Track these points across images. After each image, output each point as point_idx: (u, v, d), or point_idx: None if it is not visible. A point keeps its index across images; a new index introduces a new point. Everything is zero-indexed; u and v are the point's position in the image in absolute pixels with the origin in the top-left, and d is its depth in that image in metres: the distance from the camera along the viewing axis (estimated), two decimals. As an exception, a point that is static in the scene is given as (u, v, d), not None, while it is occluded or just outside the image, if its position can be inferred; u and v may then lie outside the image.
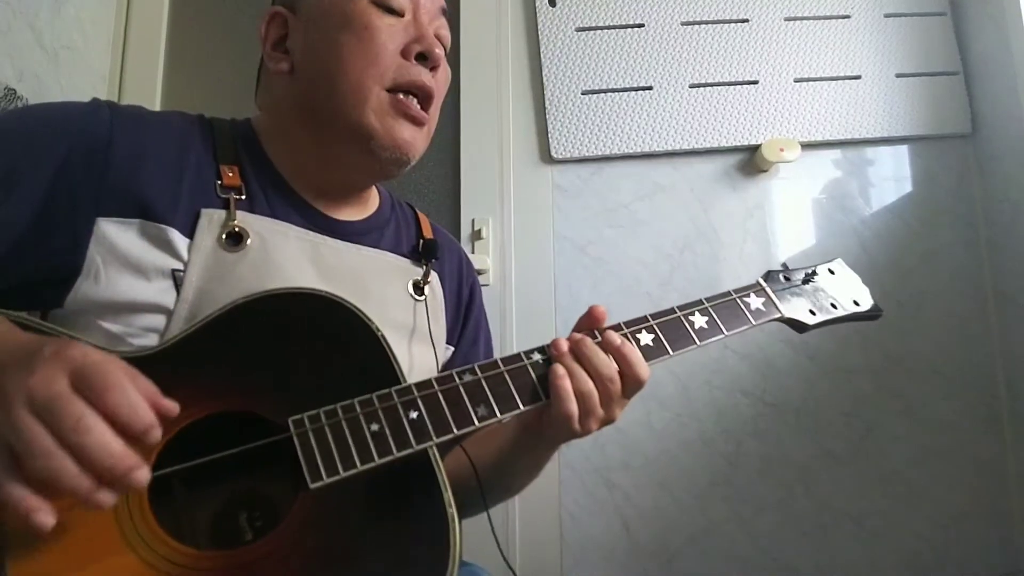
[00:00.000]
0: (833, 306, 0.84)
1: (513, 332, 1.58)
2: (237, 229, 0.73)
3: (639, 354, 0.71)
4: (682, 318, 0.76)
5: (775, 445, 1.54)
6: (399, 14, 0.81)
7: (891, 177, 1.66)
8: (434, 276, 0.91)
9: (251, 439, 0.59)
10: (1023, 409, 1.51)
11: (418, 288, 0.87)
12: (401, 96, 0.79)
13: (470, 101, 1.68)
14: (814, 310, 0.83)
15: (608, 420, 0.71)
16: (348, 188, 0.87)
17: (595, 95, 1.66)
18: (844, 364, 1.57)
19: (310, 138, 0.82)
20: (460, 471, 0.80)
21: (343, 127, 0.79)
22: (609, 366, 0.69)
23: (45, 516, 0.45)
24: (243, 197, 0.77)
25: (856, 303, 0.86)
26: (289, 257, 0.76)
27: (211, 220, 0.73)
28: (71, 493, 0.45)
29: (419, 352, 0.85)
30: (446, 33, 0.86)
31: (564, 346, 0.70)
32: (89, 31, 1.59)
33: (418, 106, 0.80)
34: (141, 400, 0.49)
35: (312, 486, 0.56)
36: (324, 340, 0.66)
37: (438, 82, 0.83)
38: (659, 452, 1.52)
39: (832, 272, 0.87)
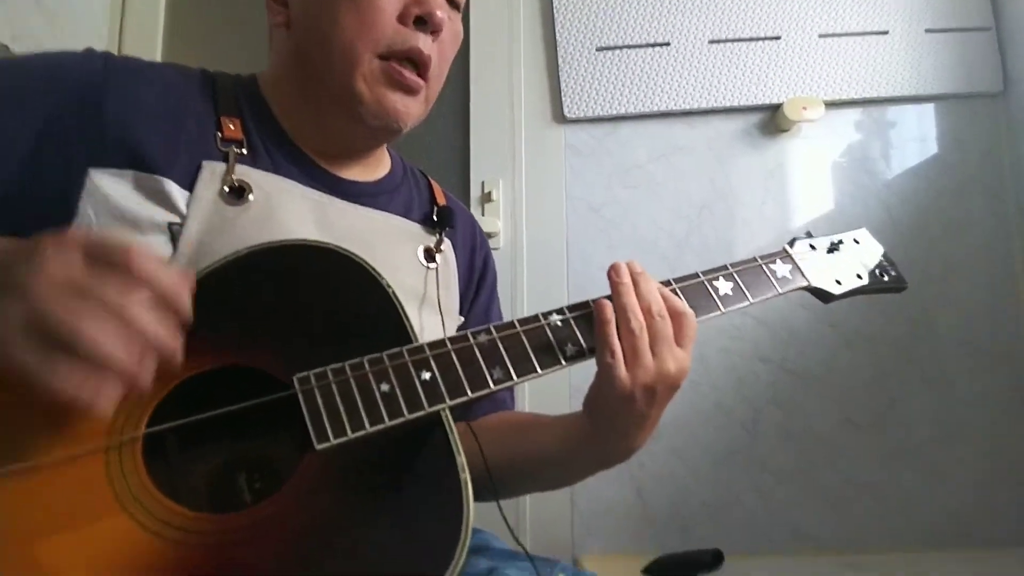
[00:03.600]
0: (859, 276, 0.82)
1: (524, 297, 1.53)
2: (239, 183, 0.70)
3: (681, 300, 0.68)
4: (706, 283, 0.72)
5: (795, 414, 1.51)
6: None
7: (916, 138, 1.59)
8: (447, 244, 0.87)
9: (254, 396, 0.56)
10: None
11: (430, 255, 0.84)
12: (395, 64, 0.74)
13: (480, 59, 1.62)
14: (839, 280, 0.80)
15: (663, 371, 0.64)
16: (349, 149, 0.82)
17: (610, 51, 1.59)
18: (867, 332, 1.52)
19: (303, 96, 0.78)
20: (494, 454, 0.76)
21: (333, 90, 0.75)
22: (659, 301, 0.65)
23: (113, 386, 0.44)
24: (244, 151, 0.73)
25: (881, 275, 0.83)
26: (293, 214, 0.72)
27: (213, 172, 0.69)
28: (120, 368, 0.44)
29: (429, 320, 0.81)
30: None
31: (625, 275, 0.66)
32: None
33: (413, 74, 0.75)
34: (163, 265, 0.48)
35: (318, 447, 0.53)
36: (333, 296, 0.63)
37: (442, 46, 0.78)
38: (675, 419, 1.48)
39: (857, 242, 0.85)
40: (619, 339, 0.63)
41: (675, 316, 0.66)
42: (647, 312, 0.64)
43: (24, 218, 0.63)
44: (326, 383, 0.56)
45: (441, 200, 0.91)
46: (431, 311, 0.81)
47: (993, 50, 1.58)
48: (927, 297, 1.52)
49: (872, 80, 1.58)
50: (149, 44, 1.66)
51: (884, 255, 0.86)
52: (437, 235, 0.86)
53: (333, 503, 0.54)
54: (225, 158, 0.71)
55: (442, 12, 0.75)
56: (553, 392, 1.42)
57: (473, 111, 1.61)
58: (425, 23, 0.75)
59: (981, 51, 1.58)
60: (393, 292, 0.63)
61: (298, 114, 0.79)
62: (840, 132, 1.59)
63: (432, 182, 0.94)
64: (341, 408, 0.55)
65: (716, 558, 1.32)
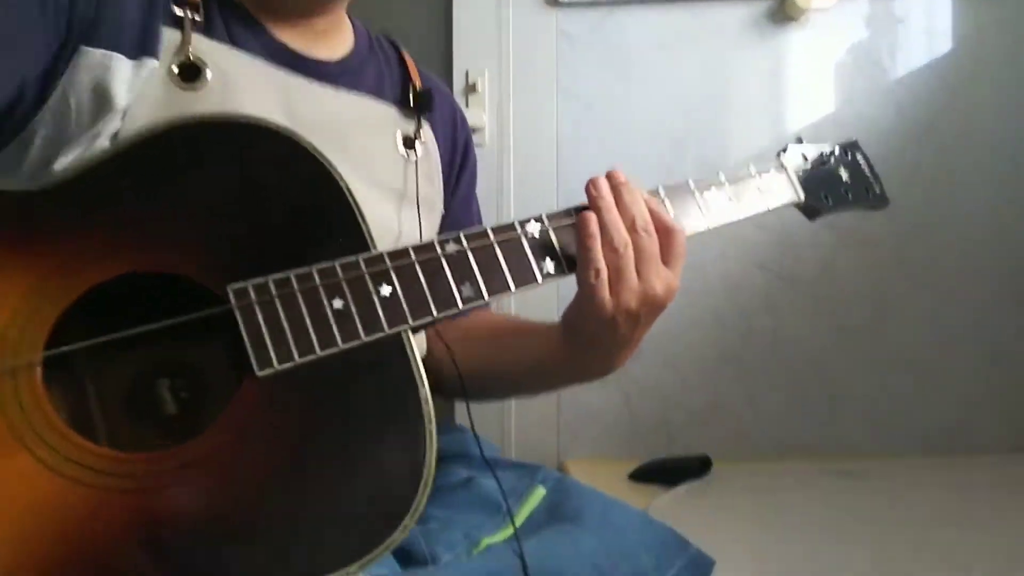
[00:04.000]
0: (846, 192, 0.81)
1: (511, 198, 1.46)
2: (193, 59, 0.60)
3: (666, 210, 0.64)
4: (696, 194, 0.68)
5: (788, 321, 1.48)
6: None
7: (929, 34, 1.48)
8: (427, 129, 0.79)
9: (178, 310, 0.48)
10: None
11: (408, 143, 0.75)
12: None
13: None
14: (827, 195, 0.79)
15: (648, 292, 0.60)
16: (303, 13, 0.71)
17: (608, -74, 1.45)
18: (867, 237, 1.46)
19: None
20: (466, 362, 0.72)
21: None
22: (644, 215, 0.60)
23: None
24: (199, 19, 0.62)
25: (867, 192, 0.82)
26: (256, 100, 0.63)
27: (164, 44, 0.60)
28: None
29: (409, 218, 0.74)
30: None
31: (605, 188, 0.60)
32: None
33: None
34: None
35: (260, 373, 0.47)
36: (276, 188, 0.53)
37: None
38: (666, 327, 1.41)
39: (847, 154, 0.82)
40: (602, 254, 0.58)
41: (662, 231, 0.61)
42: (631, 227, 0.59)
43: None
44: (268, 297, 0.48)
45: (415, 76, 0.81)
46: (411, 208, 0.75)
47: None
48: (930, 200, 1.46)
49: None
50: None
51: (871, 169, 0.84)
52: (416, 121, 0.77)
53: (276, 439, 0.48)
54: (178, 25, 0.61)
55: None
56: (540, 300, 1.36)
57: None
58: None
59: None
60: (346, 186, 0.54)
61: None
62: (850, 27, 1.48)
63: (404, 54, 0.84)
64: (286, 327, 0.48)
65: (704, 464, 1.32)
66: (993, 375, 1.47)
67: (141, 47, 0.58)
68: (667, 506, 1.17)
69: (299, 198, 0.53)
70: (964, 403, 1.47)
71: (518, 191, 1.46)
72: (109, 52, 0.57)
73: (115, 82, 0.57)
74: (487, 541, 0.63)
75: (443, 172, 0.83)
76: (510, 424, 1.46)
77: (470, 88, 1.45)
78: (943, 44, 1.48)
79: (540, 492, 0.71)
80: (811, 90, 1.48)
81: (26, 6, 0.52)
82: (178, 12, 0.61)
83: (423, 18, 1.49)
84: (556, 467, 1.42)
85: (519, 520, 0.66)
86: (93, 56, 0.56)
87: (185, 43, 0.60)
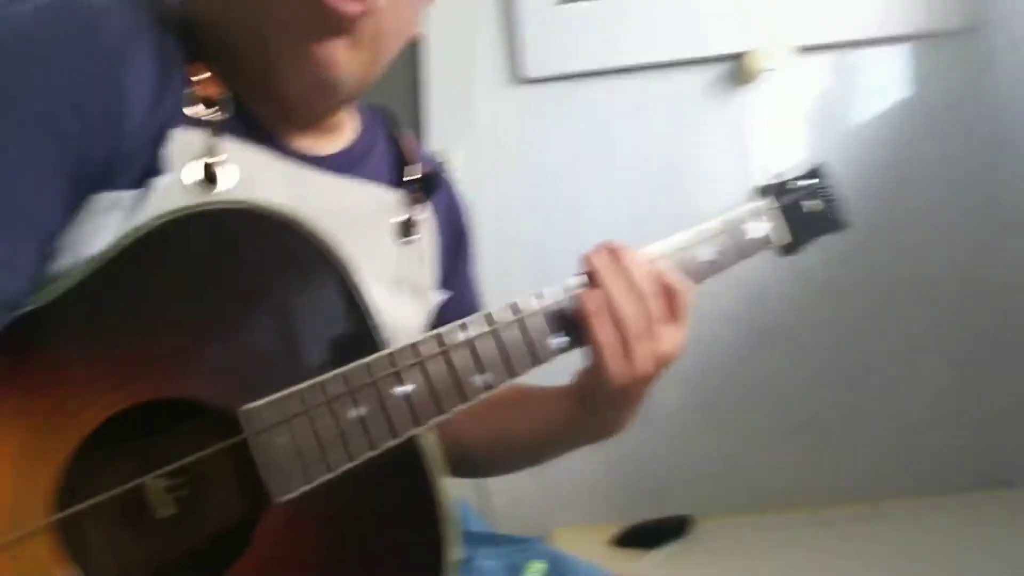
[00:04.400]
0: (816, 223, 0.79)
1: (488, 269, 1.47)
2: (214, 163, 0.54)
3: (667, 267, 0.62)
4: (688, 253, 0.66)
5: (761, 373, 1.51)
6: None
7: (889, 83, 1.53)
8: (427, 214, 0.75)
9: (186, 438, 0.45)
10: (1014, 337, 1.48)
11: (408, 229, 0.72)
12: None
13: (433, 13, 1.52)
14: (801, 232, 0.78)
15: (659, 354, 0.59)
16: (318, 117, 0.65)
17: (570, 4, 1.51)
18: (838, 287, 1.50)
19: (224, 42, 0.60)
20: (471, 433, 0.73)
21: (245, 33, 0.57)
22: (647, 281, 0.59)
23: None
24: (225, 115, 0.55)
25: (831, 217, 0.81)
26: (269, 192, 0.57)
27: (184, 149, 0.53)
28: None
29: (404, 308, 0.71)
30: None
31: (604, 259, 0.59)
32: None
33: (345, 1, 0.54)
34: None
35: (278, 500, 0.45)
36: (274, 281, 0.49)
37: None
38: None
39: (815, 177, 0.81)
40: (609, 330, 0.57)
41: (669, 292, 0.60)
42: (637, 297, 0.58)
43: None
44: (282, 420, 0.46)
45: (411, 153, 0.76)
46: (407, 294, 0.72)
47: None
48: (900, 248, 1.50)
49: (840, 23, 1.51)
50: None
51: (834, 193, 0.82)
52: (416, 206, 0.73)
53: (302, 559, 0.48)
54: (196, 125, 0.54)
55: None
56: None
57: (426, 72, 1.53)
58: None
59: (955, -15, 1.50)
60: (358, 285, 0.51)
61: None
62: (808, 80, 1.53)
63: (398, 129, 0.79)
64: (302, 450, 0.46)
65: (683, 524, 1.34)
66: (970, 416, 1.49)
67: (147, 172, 0.52)
68: (648, 570, 1.19)
69: (304, 294, 0.51)
70: (942, 444, 1.49)
71: (492, 259, 1.47)
72: (117, 193, 0.50)
73: (119, 214, 0.51)
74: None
75: (443, 252, 0.79)
76: (493, 492, 1.46)
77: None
78: (904, 89, 1.53)
79: (539, 566, 0.71)
80: (773, 146, 1.53)
81: (42, 172, 0.46)
82: (199, 113, 0.55)
83: (394, 97, 1.51)
84: (542, 536, 1.43)
85: None
86: (102, 201, 0.50)
87: (215, 147, 0.54)
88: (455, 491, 0.76)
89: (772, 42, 1.48)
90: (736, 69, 1.52)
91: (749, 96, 1.53)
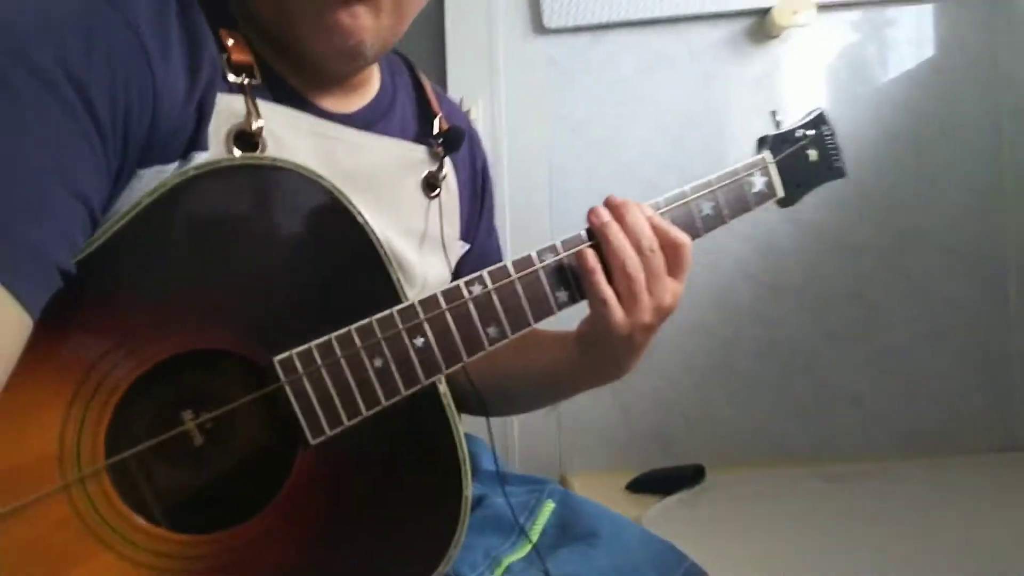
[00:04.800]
0: (814, 174, 0.79)
1: (506, 220, 1.49)
2: (256, 127, 0.55)
3: (669, 222, 0.63)
4: (692, 205, 0.68)
5: (776, 327, 1.52)
6: None
7: (913, 41, 1.52)
8: (448, 166, 0.77)
9: (222, 384, 0.49)
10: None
11: (431, 184, 0.73)
12: None
13: (454, -33, 1.51)
14: (800, 183, 0.78)
15: (660, 306, 0.62)
16: (344, 76, 0.66)
17: (592, -46, 1.50)
18: (851, 242, 1.52)
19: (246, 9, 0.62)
20: (487, 378, 0.75)
21: (266, 4, 0.59)
22: (649, 234, 0.61)
23: None
24: (259, 79, 0.57)
25: (829, 167, 0.81)
26: (298, 152, 0.60)
27: (226, 115, 0.55)
28: None
29: (432, 262, 0.74)
30: None
31: (606, 214, 0.61)
32: None
33: None
34: None
35: (313, 442, 0.49)
36: (294, 236, 0.51)
37: None
38: (658, 338, 1.46)
39: (815, 127, 0.81)
40: (614, 282, 0.60)
41: (669, 246, 0.62)
42: (638, 250, 0.60)
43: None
44: (314, 368, 0.49)
45: (435, 103, 0.77)
46: (433, 249, 0.74)
47: (995, -57, 1.49)
48: (915, 205, 1.51)
49: (867, -21, 1.49)
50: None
51: (834, 140, 0.82)
52: (439, 162, 0.75)
53: (335, 499, 0.51)
54: (235, 91, 0.56)
55: None
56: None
57: (448, 24, 1.52)
58: None
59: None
60: (371, 231, 0.53)
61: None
62: (832, 37, 1.52)
63: (420, 77, 0.80)
64: (334, 395, 0.50)
65: (697, 473, 1.36)
66: (979, 374, 1.51)
67: (191, 145, 0.54)
68: (660, 515, 1.21)
69: (328, 249, 0.53)
70: (952, 403, 1.51)
71: (513, 213, 1.50)
72: (161, 167, 0.53)
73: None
74: (507, 560, 0.67)
75: (464, 205, 0.81)
76: (514, 439, 1.51)
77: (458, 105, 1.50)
78: (926, 50, 1.52)
79: (549, 506, 0.74)
80: (797, 103, 1.52)
81: (82, 148, 0.46)
82: (234, 79, 0.57)
83: (418, 49, 1.53)
84: (558, 480, 1.46)
85: (533, 536, 0.70)
86: (145, 176, 0.52)
87: (249, 113, 0.56)
88: (475, 433, 0.79)
89: (798, -1, 1.46)
90: (761, 24, 1.51)
91: (773, 51, 1.52)
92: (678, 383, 1.52)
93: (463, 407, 0.84)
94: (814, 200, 1.45)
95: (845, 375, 1.52)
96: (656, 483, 1.34)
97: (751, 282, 1.52)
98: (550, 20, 1.50)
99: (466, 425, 1.09)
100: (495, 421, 0.75)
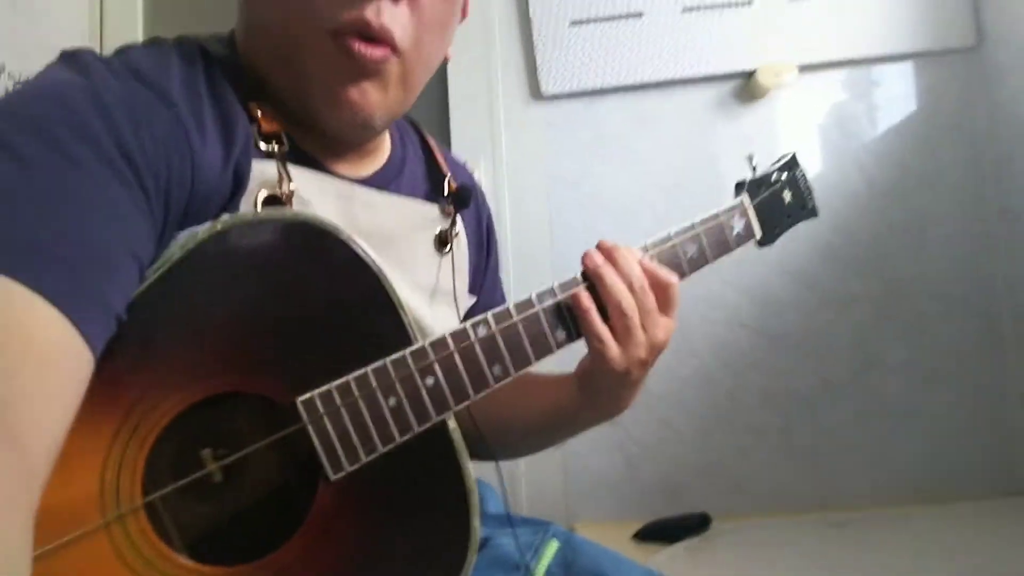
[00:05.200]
0: (789, 216, 0.83)
1: (510, 274, 1.55)
2: (287, 191, 0.60)
3: (658, 263, 0.68)
4: (678, 247, 0.72)
5: (775, 377, 1.55)
6: None
7: (895, 98, 1.60)
8: (459, 224, 0.81)
9: (247, 424, 0.53)
10: (1025, 339, 1.50)
11: (444, 241, 0.77)
12: (347, 39, 0.59)
13: (456, 36, 1.60)
14: (777, 226, 0.82)
15: (654, 343, 0.66)
16: (358, 144, 0.71)
17: (584, 25, 1.59)
18: (844, 292, 1.55)
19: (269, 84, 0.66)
20: (494, 420, 0.78)
21: (283, 77, 0.63)
22: (639, 275, 0.65)
23: None
24: (287, 147, 0.62)
25: (803, 207, 0.85)
26: (322, 211, 0.63)
27: (260, 182, 0.59)
28: None
29: (443, 315, 0.77)
30: None
31: (600, 257, 0.65)
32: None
33: (369, 46, 0.59)
34: None
35: (333, 478, 0.53)
36: (314, 284, 0.55)
37: (419, 12, 0.62)
38: (661, 388, 1.52)
39: (788, 170, 0.85)
40: (610, 320, 0.64)
41: (658, 286, 0.66)
42: (631, 289, 0.64)
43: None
44: (334, 408, 0.53)
45: (443, 163, 0.82)
46: (444, 302, 0.78)
47: (967, 3, 1.57)
48: (904, 253, 1.55)
49: (846, 41, 1.57)
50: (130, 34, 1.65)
51: (806, 182, 0.86)
52: (451, 219, 0.78)
53: (354, 532, 0.54)
54: (267, 157, 0.61)
55: None
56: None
57: (452, 91, 1.61)
58: None
59: (954, 5, 1.57)
60: (381, 273, 0.56)
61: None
62: (817, 96, 1.60)
63: (428, 139, 0.84)
64: (352, 432, 0.53)
65: (703, 521, 1.37)
66: (978, 418, 1.52)
67: (224, 208, 0.58)
68: (667, 563, 1.21)
69: (345, 295, 0.56)
70: (953, 448, 1.51)
71: (516, 266, 1.56)
72: (198, 227, 0.55)
73: None
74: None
75: (472, 260, 0.85)
76: (521, 487, 1.52)
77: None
78: (909, 105, 1.59)
79: (554, 546, 0.76)
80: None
81: (136, 214, 0.51)
82: (265, 147, 0.61)
83: (423, 112, 1.60)
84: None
85: (538, 575, 0.71)
86: (180, 237, 0.55)
87: (281, 178, 0.60)
88: (482, 477, 0.81)
89: (780, 61, 1.54)
90: (747, 85, 1.59)
91: (761, 110, 1.60)
92: (682, 433, 1.54)
93: (471, 453, 0.88)
94: (805, 253, 1.52)
95: (845, 422, 1.53)
96: (662, 532, 1.35)
97: (750, 333, 1.55)
98: (547, 87, 1.59)
99: (475, 471, 1.12)
100: (505, 476, 0.77)
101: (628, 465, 1.54)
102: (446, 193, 0.79)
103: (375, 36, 0.59)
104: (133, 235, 0.50)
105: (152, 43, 0.62)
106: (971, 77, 1.58)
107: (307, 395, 0.52)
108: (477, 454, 0.80)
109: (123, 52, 0.59)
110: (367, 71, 0.61)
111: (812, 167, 1.58)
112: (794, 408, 1.54)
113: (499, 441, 0.80)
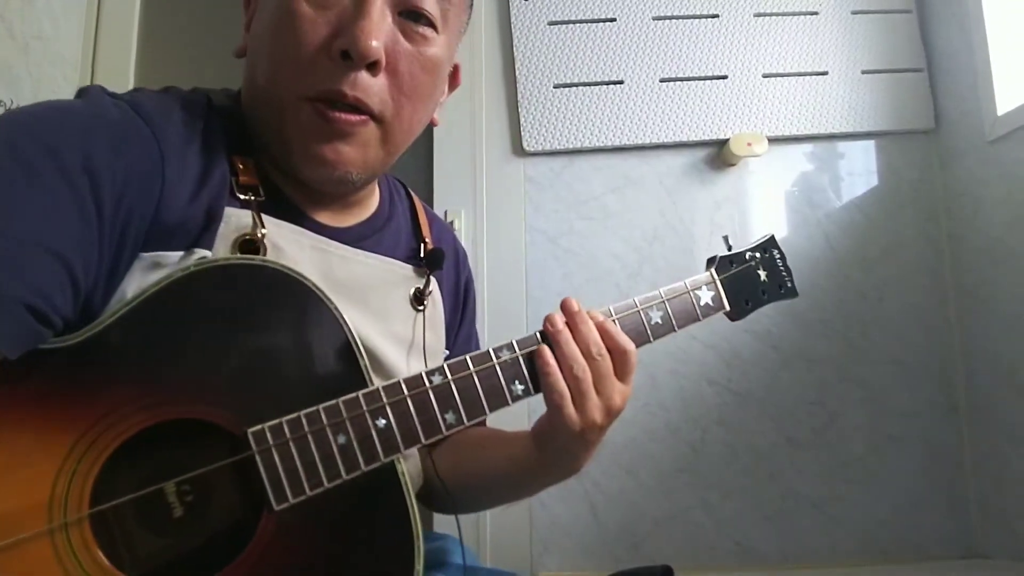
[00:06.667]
0: (763, 292, 0.85)
1: (485, 323, 1.58)
2: (260, 236, 0.64)
3: (618, 329, 0.69)
4: (642, 313, 0.73)
5: (739, 432, 1.58)
6: None
7: (858, 172, 1.69)
8: (434, 283, 0.84)
9: (199, 451, 0.54)
10: (980, 399, 1.55)
11: (419, 298, 0.81)
12: (321, 106, 0.64)
13: (444, 93, 1.68)
14: (748, 300, 0.84)
15: (609, 407, 0.67)
16: (342, 196, 0.75)
17: (567, 88, 1.67)
18: (807, 353, 1.61)
19: (259, 137, 0.71)
20: (456, 473, 0.80)
21: (268, 132, 0.69)
22: (597, 341, 0.67)
23: None
24: (263, 198, 0.66)
25: (780, 287, 0.87)
26: (297, 264, 0.66)
27: (231, 226, 0.63)
28: None
29: (417, 367, 0.77)
30: (421, 5, 0.67)
31: (560, 322, 0.67)
32: (60, 19, 1.58)
33: (344, 113, 0.64)
34: None
35: (276, 508, 0.54)
36: (281, 327, 0.58)
37: (396, 78, 0.66)
38: (626, 439, 1.55)
39: (765, 251, 0.87)
40: (563, 383, 0.66)
41: (616, 352, 0.68)
42: (587, 354, 0.66)
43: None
44: (283, 440, 0.55)
45: (425, 227, 0.87)
46: (418, 356, 0.80)
47: (925, 90, 1.68)
48: (865, 319, 1.62)
49: (813, 117, 1.67)
50: (122, 71, 1.69)
51: (784, 263, 0.88)
52: (425, 278, 0.82)
53: (295, 563, 0.55)
54: (242, 206, 0.65)
55: (379, 40, 0.63)
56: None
57: (437, 143, 1.68)
58: (351, 58, 0.63)
59: (914, 91, 1.69)
60: (343, 319, 0.60)
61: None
62: (784, 167, 1.68)
63: (416, 202, 0.90)
64: (299, 466, 0.55)
65: (665, 573, 1.37)
66: (935, 481, 1.56)
67: (196, 242, 0.61)
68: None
69: (302, 335, 0.59)
70: (910, 509, 1.55)
71: (492, 314, 1.59)
72: (162, 253, 0.60)
73: (163, 272, 0.59)
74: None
75: (446, 316, 0.88)
76: (486, 536, 1.52)
77: (449, 226, 1.62)
78: (872, 179, 1.68)
79: None
80: (752, 224, 1.66)
81: (71, 218, 0.53)
82: (243, 197, 0.65)
83: (409, 165, 1.67)
84: (528, 577, 1.47)
85: None
86: (146, 258, 0.59)
87: (255, 226, 0.64)
88: (447, 531, 0.82)
89: (752, 131, 1.63)
90: (718, 154, 1.67)
91: (732, 176, 1.68)
92: (647, 486, 1.56)
93: (433, 506, 0.88)
94: (771, 314, 1.57)
95: (807, 480, 1.56)
96: (625, 583, 1.35)
97: (716, 389, 1.59)
98: (529, 144, 1.66)
99: (440, 524, 1.13)
100: (467, 524, 0.78)
101: (593, 516, 1.55)
102: (422, 256, 0.83)
103: (350, 105, 0.64)
104: (63, 237, 0.53)
105: (165, 89, 0.69)
106: (929, 157, 1.68)
107: (258, 427, 0.54)
108: (442, 508, 0.82)
109: (135, 91, 0.65)
110: (342, 133, 0.66)
111: (779, 232, 1.65)
112: (757, 464, 1.57)
113: (462, 494, 0.82)
